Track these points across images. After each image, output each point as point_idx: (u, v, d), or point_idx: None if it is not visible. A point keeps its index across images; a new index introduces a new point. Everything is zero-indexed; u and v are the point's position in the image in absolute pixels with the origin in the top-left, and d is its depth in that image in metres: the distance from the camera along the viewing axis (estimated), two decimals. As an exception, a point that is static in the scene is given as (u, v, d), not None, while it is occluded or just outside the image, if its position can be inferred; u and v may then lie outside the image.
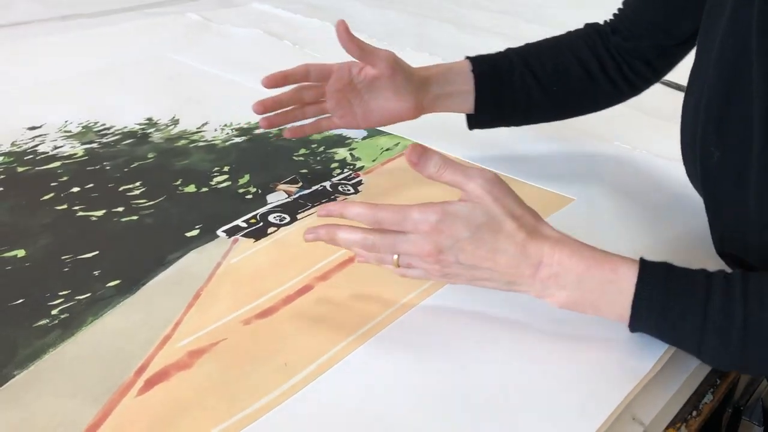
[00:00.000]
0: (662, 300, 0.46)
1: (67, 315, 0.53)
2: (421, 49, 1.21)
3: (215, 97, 0.97)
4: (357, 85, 0.70)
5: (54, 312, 0.53)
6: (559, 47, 0.75)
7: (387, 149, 0.82)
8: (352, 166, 0.78)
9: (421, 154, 0.50)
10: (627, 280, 0.47)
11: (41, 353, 0.49)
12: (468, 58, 0.74)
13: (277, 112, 0.72)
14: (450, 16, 1.44)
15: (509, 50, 0.75)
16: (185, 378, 0.47)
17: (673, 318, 0.46)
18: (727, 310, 0.44)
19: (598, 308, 0.49)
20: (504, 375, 0.48)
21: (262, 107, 0.70)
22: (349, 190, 0.73)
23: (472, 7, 1.52)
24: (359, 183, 0.74)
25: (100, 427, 0.43)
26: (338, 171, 0.77)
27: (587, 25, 0.76)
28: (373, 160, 0.79)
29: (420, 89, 0.71)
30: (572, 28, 0.77)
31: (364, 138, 0.85)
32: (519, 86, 0.73)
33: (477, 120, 0.75)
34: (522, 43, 0.76)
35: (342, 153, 0.81)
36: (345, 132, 0.86)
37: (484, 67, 0.73)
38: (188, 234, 0.64)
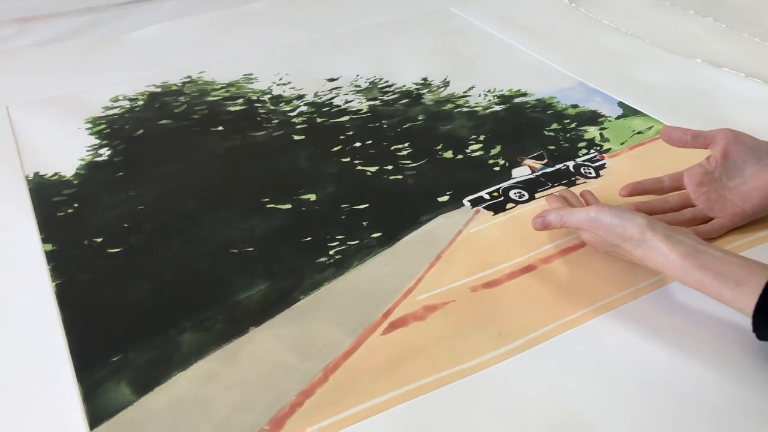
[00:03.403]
0: None
1: (340, 257, 0.68)
2: (706, 11, 1.16)
3: (486, 58, 1.05)
4: (714, 173, 0.67)
5: (331, 252, 0.69)
6: None
7: (638, 132, 0.85)
8: (599, 147, 0.82)
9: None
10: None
11: (319, 285, 0.65)
12: None
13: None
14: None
15: None
16: (419, 328, 0.60)
17: None
18: None
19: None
20: (719, 380, 0.53)
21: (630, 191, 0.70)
22: (590, 173, 0.78)
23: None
24: (602, 167, 0.79)
25: (352, 355, 0.57)
26: (584, 151, 0.82)
27: None
28: (622, 143, 0.83)
29: None
30: None
31: (617, 117, 0.88)
32: None
33: None
34: None
35: (592, 132, 0.85)
36: (600, 110, 0.89)
37: None
38: (440, 199, 0.76)
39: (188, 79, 1.03)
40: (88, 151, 0.87)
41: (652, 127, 0.85)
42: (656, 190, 0.70)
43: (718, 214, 0.67)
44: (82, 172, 0.82)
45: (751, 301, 0.50)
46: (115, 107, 0.96)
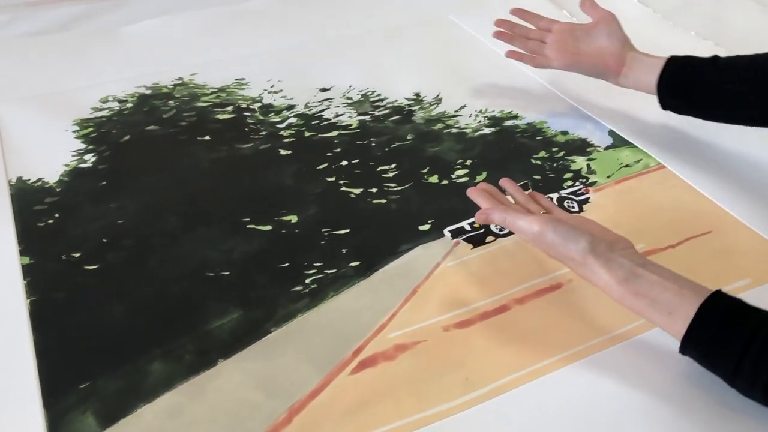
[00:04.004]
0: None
1: (316, 286, 0.68)
2: (708, 34, 1.15)
3: (481, 74, 1.04)
4: (576, 32, 0.88)
5: (307, 281, 0.69)
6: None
7: (626, 165, 0.84)
8: (585, 180, 0.82)
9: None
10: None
11: (292, 317, 0.65)
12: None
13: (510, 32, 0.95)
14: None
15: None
16: (388, 368, 0.60)
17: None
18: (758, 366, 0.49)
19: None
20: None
21: (501, 22, 0.96)
22: (574, 207, 0.78)
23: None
24: (586, 201, 0.79)
25: (319, 395, 0.57)
26: (569, 183, 0.81)
27: None
28: (608, 176, 0.82)
29: (627, 45, 0.85)
30: None
31: (607, 147, 0.87)
32: (710, 67, 0.79)
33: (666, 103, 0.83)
34: None
35: (579, 162, 0.85)
36: (589, 138, 0.89)
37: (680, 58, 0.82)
38: (421, 227, 0.75)
39: (179, 81, 1.02)
40: (73, 156, 0.86)
41: (641, 160, 0.85)
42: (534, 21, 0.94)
43: (553, 48, 0.90)
44: (66, 179, 0.82)
45: (681, 329, 0.53)
46: (104, 108, 0.96)
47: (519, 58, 0.95)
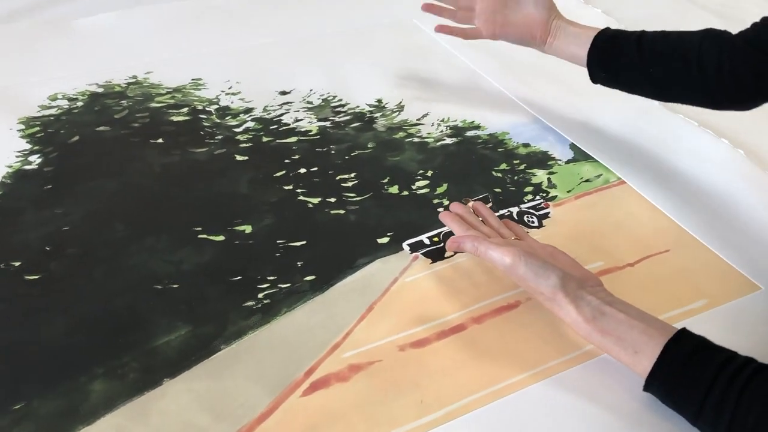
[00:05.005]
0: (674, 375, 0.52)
1: (269, 301, 0.66)
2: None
3: (444, 80, 1.03)
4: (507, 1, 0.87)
5: (260, 296, 0.66)
6: (689, 34, 0.77)
7: (586, 180, 0.84)
8: (545, 194, 0.81)
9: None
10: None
11: (243, 333, 0.63)
12: None
13: (439, 4, 0.92)
14: (719, 4, 1.32)
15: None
16: (341, 390, 0.58)
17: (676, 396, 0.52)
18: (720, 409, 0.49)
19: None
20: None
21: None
22: (533, 222, 0.77)
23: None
24: (545, 216, 0.78)
25: (267, 419, 0.55)
26: (530, 197, 0.81)
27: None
28: (569, 191, 0.82)
29: (553, 12, 0.84)
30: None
31: (568, 161, 0.87)
32: (634, 47, 0.79)
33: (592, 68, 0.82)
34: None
35: (540, 176, 0.84)
36: (551, 151, 0.88)
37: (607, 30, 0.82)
38: (380, 240, 0.74)
39: (133, 80, 0.98)
40: (17, 157, 0.82)
41: (601, 175, 0.84)
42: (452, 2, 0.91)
43: (481, 20, 0.89)
44: (8, 181, 0.78)
45: (647, 368, 0.53)
46: (53, 107, 0.92)
47: (448, 31, 0.93)
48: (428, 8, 0.93)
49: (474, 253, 0.63)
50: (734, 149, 0.88)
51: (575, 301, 0.57)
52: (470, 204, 0.73)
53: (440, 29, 0.93)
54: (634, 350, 0.54)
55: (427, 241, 0.74)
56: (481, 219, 0.71)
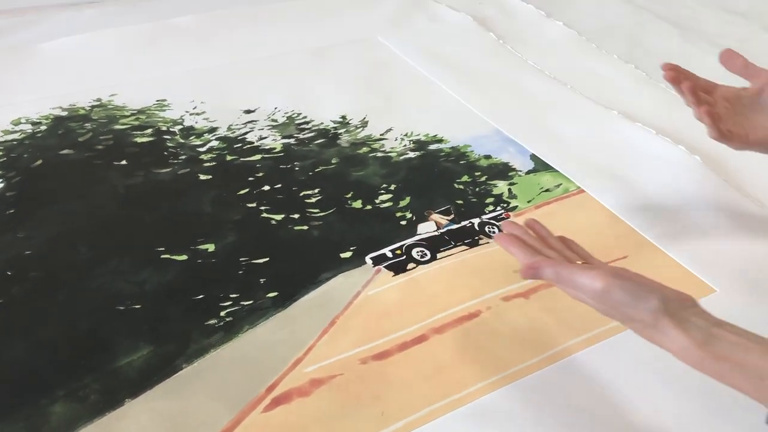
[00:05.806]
0: None
1: (231, 319, 0.66)
2: (630, 56, 1.18)
3: (407, 96, 1.04)
4: (743, 99, 0.70)
5: (222, 314, 0.67)
6: None
7: (546, 190, 0.85)
8: (505, 204, 0.83)
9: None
10: None
11: (205, 352, 0.63)
12: None
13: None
14: (677, 15, 1.35)
15: None
16: (302, 405, 0.58)
17: None
18: None
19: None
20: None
21: (674, 73, 0.70)
22: (494, 232, 0.78)
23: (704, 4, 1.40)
24: (507, 226, 0.79)
25: (229, 436, 0.55)
26: (491, 208, 0.82)
27: None
28: (529, 201, 0.83)
29: None
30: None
31: (528, 172, 0.88)
32: None
33: None
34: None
35: (501, 187, 0.85)
36: (511, 162, 0.90)
37: None
38: (342, 255, 0.74)
39: (98, 103, 0.99)
40: (-21, 182, 0.82)
41: (561, 185, 0.86)
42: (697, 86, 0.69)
43: (727, 126, 0.68)
44: (-30, 207, 0.78)
45: None
46: (16, 131, 0.92)
47: (718, 136, 0.69)
48: (672, 80, 0.70)
49: (554, 280, 0.54)
50: (691, 155, 0.90)
51: (682, 325, 0.49)
52: (525, 222, 0.62)
53: (710, 128, 0.69)
54: (759, 377, 0.46)
55: (389, 254, 0.74)
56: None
